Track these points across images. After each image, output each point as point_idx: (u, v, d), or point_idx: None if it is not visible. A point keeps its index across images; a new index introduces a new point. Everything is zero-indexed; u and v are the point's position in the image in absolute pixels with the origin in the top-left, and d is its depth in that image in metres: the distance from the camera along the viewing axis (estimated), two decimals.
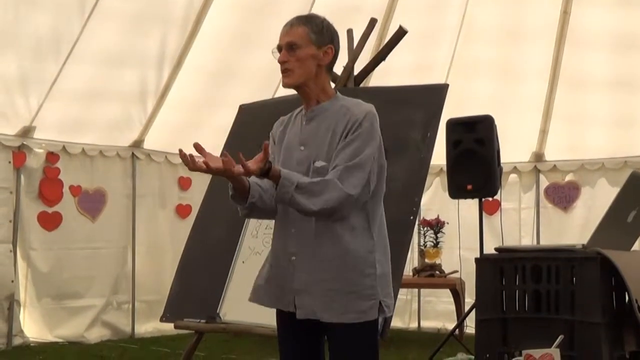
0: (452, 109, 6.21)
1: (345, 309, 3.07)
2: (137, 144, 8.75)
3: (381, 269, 3.14)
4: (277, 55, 3.23)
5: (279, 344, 3.33)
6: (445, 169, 6.48)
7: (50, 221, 7.99)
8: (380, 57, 6.38)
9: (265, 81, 8.99)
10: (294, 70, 3.16)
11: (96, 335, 8.19)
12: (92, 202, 8.35)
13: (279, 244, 3.24)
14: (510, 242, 7.88)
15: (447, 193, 6.49)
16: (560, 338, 3.79)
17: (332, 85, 3.43)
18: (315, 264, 3.10)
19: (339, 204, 3.02)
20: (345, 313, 3.07)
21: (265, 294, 3.31)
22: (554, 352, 3.70)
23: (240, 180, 3.17)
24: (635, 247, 4.74)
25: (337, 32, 3.25)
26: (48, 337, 7.89)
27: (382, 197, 3.24)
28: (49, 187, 8.01)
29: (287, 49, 3.17)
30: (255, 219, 3.38)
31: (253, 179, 3.18)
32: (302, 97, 3.26)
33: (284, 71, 3.19)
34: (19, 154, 7.81)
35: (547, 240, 8.57)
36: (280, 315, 3.27)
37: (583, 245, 4.10)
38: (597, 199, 8.46)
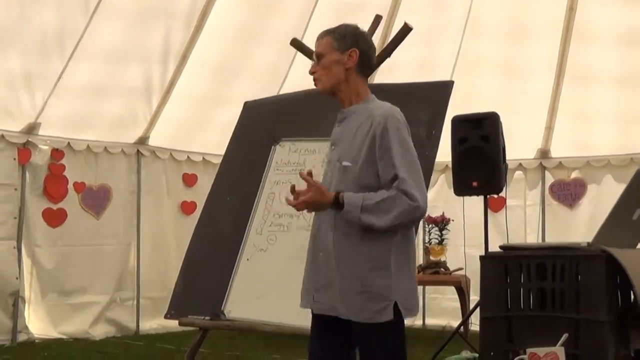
0: (458, 105, 6.20)
1: (360, 309, 3.20)
2: (142, 140, 8.76)
3: (398, 270, 3.22)
4: None
5: (310, 343, 3.45)
6: (450, 165, 6.46)
7: (55, 218, 8.00)
8: (385, 54, 6.37)
9: (270, 77, 9.01)
10: (321, 78, 3.38)
11: (101, 331, 8.20)
12: (96, 199, 8.35)
13: (310, 242, 3.45)
14: (516, 239, 7.87)
15: (452, 190, 6.47)
16: (565, 336, 3.76)
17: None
18: (335, 262, 3.26)
19: (409, 216, 3.20)
20: (360, 312, 3.20)
21: (303, 296, 3.48)
22: (559, 350, 3.68)
23: None
24: None
25: (364, 36, 3.41)
26: (53, 333, 7.90)
27: None
28: (54, 184, 8.01)
29: (316, 60, 3.40)
30: None
31: None
32: (339, 101, 3.44)
33: (314, 81, 3.42)
34: (24, 150, 7.81)
35: (552, 238, 8.55)
36: (313, 316, 3.43)
37: (588, 243, 4.08)
38: (603, 196, 8.44)
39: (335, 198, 3.21)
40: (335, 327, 3.31)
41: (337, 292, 3.25)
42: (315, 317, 3.41)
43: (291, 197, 3.27)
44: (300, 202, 3.22)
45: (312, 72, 3.41)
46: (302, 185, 3.27)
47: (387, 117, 3.25)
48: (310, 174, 3.28)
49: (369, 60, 3.42)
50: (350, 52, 3.34)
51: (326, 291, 3.30)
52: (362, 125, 3.28)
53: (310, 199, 3.21)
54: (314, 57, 3.41)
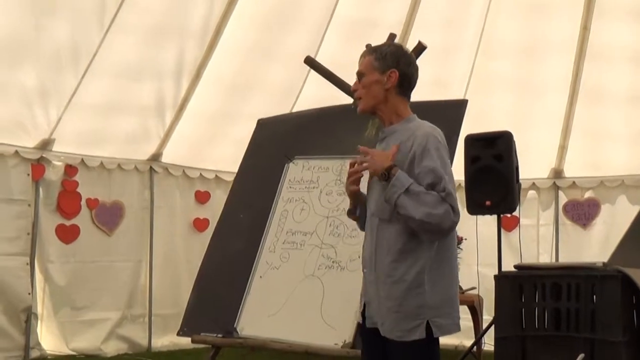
0: (471, 124, 6.19)
1: (394, 327, 3.25)
2: (155, 157, 8.77)
3: (433, 289, 3.23)
4: None
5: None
6: (463, 184, 6.45)
7: (67, 234, 8.01)
8: None
9: (283, 94, 9.02)
10: (362, 97, 3.43)
11: (113, 348, 8.18)
12: (109, 215, 8.36)
13: (362, 257, 3.50)
14: (529, 258, 7.82)
15: (465, 209, 6.44)
16: (581, 357, 3.75)
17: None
18: (374, 280, 3.34)
19: (441, 221, 3.18)
20: (394, 330, 3.25)
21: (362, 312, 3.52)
22: None
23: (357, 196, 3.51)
24: None
25: (405, 57, 3.45)
26: (65, 350, 7.89)
27: None
28: (67, 200, 8.03)
29: (358, 78, 3.45)
30: None
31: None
32: (380, 120, 3.50)
33: (356, 99, 3.47)
34: (38, 166, 7.84)
35: (565, 258, 8.50)
36: (363, 331, 3.50)
37: (604, 263, 4.06)
38: (617, 216, 8.39)
39: (390, 168, 3.24)
40: (381, 343, 3.34)
41: (376, 309, 3.34)
42: (367, 332, 3.45)
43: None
44: (371, 152, 3.31)
45: (353, 90, 3.47)
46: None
47: (428, 136, 3.30)
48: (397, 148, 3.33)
49: (410, 81, 3.45)
50: (390, 72, 3.37)
51: (371, 306, 3.38)
52: (404, 144, 3.32)
53: (377, 153, 3.30)
54: (357, 75, 3.45)
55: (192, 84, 8.59)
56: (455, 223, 3.23)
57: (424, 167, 3.23)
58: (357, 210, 3.56)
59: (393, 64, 3.38)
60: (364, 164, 3.33)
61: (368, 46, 3.54)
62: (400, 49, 3.47)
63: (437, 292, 3.24)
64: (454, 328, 3.32)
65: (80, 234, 8.10)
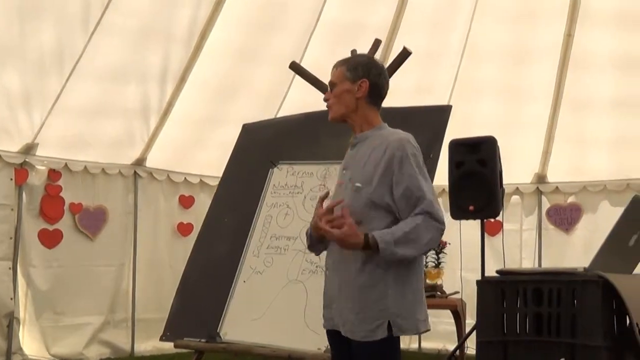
0: (455, 129, 6.21)
1: (357, 327, 3.31)
2: (140, 162, 8.75)
3: (396, 291, 3.31)
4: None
5: None
6: (447, 189, 6.47)
7: (50, 238, 7.98)
8: None
9: (268, 99, 9.03)
10: (332, 106, 3.52)
11: (95, 353, 8.16)
12: (92, 220, 8.33)
13: (325, 260, 3.57)
14: (512, 263, 7.86)
15: (449, 214, 6.46)
16: None
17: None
18: (337, 281, 3.41)
19: (437, 238, 3.33)
20: (356, 331, 3.31)
21: (323, 315, 3.58)
22: None
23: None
24: (637, 270, 4.73)
25: (377, 68, 3.52)
26: (46, 355, 7.85)
27: None
28: (50, 205, 8.00)
29: (330, 88, 3.54)
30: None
31: None
32: (350, 128, 3.56)
33: (327, 108, 3.55)
34: (21, 171, 7.81)
35: (548, 262, 8.54)
36: (327, 333, 3.56)
37: (585, 268, 4.08)
38: (599, 221, 8.44)
39: (366, 242, 3.26)
40: (345, 344, 3.40)
41: (337, 310, 3.40)
42: (328, 334, 3.54)
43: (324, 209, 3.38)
44: (335, 237, 3.29)
45: (325, 100, 3.55)
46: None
47: (404, 142, 3.38)
48: (327, 194, 3.48)
49: (380, 91, 3.52)
50: (361, 82, 3.46)
51: (330, 308, 3.45)
52: (376, 150, 3.40)
53: (342, 237, 3.28)
54: (328, 85, 3.54)
55: (177, 88, 8.58)
56: (444, 227, 3.34)
57: (405, 184, 3.31)
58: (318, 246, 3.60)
59: (364, 74, 3.47)
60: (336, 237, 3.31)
61: (349, 57, 3.63)
62: (371, 60, 3.57)
63: (399, 293, 3.31)
64: (414, 329, 3.39)
65: (63, 238, 8.07)
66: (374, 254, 3.26)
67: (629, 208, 4.22)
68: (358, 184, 3.37)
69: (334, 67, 3.54)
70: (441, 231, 3.31)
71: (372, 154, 3.39)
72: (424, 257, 8.20)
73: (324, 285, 3.54)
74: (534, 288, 4.09)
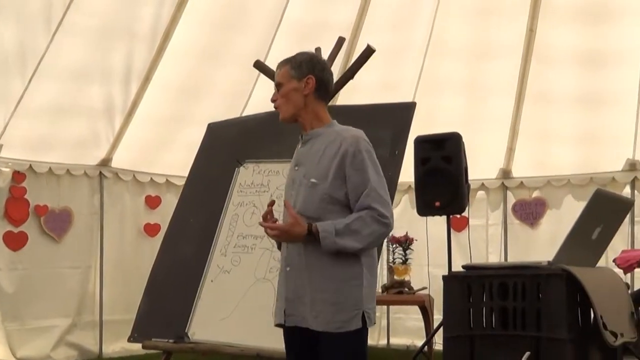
0: (420, 126, 6.25)
1: (331, 319, 3.32)
2: (105, 162, 8.69)
3: (367, 282, 3.38)
4: None
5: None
6: (413, 186, 6.51)
7: (15, 241, 7.90)
8: (348, 75, 6.42)
9: (233, 98, 9.02)
10: (281, 106, 3.53)
11: (62, 355, 8.09)
12: (58, 222, 8.26)
13: (281, 257, 3.58)
14: (478, 258, 7.92)
15: (415, 210, 6.50)
16: (527, 355, 3.81)
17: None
18: (305, 274, 3.39)
19: (380, 233, 3.38)
20: (331, 322, 3.32)
21: (275, 314, 3.59)
22: None
23: None
24: (601, 262, 4.78)
25: (320, 64, 3.56)
26: (12, 358, 7.77)
27: None
28: (15, 207, 7.91)
29: (276, 89, 3.55)
30: None
31: None
32: (300, 126, 3.58)
33: (276, 109, 3.57)
34: None
35: (514, 257, 8.60)
36: (285, 330, 3.53)
37: (549, 262, 4.13)
38: (564, 215, 8.51)
39: (309, 228, 3.31)
40: (308, 339, 3.40)
41: (308, 304, 3.37)
42: (288, 331, 3.51)
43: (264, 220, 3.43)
44: (277, 229, 3.36)
45: (273, 101, 3.55)
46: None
47: (357, 139, 3.42)
48: (272, 204, 3.50)
49: (326, 86, 3.54)
50: (307, 79, 3.47)
51: (296, 304, 3.42)
52: (330, 146, 3.42)
53: (287, 227, 3.34)
54: (275, 86, 3.55)
55: (141, 88, 8.53)
56: (391, 227, 3.38)
57: (357, 179, 3.36)
58: None
59: (309, 70, 3.48)
60: (277, 236, 3.41)
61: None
62: (314, 56, 3.58)
63: (370, 286, 3.39)
64: (374, 320, 3.47)
65: (29, 241, 8.00)
66: (316, 243, 3.31)
67: (591, 202, 4.28)
68: (314, 180, 3.40)
69: (277, 67, 3.56)
70: (385, 225, 3.34)
71: (326, 150, 3.42)
72: (385, 254, 8.29)
73: (282, 282, 3.52)
74: (499, 282, 4.13)
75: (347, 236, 3.30)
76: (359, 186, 3.35)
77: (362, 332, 3.36)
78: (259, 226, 5.84)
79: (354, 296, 3.33)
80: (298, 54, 3.56)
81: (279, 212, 3.56)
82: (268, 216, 3.47)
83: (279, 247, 3.67)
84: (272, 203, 3.52)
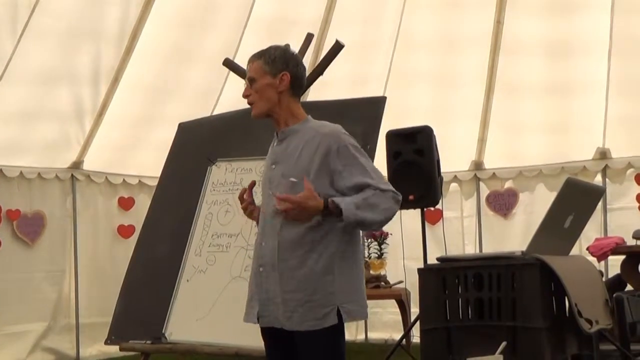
0: (391, 120, 6.26)
1: (304, 318, 3.27)
2: (76, 165, 8.63)
3: (342, 276, 3.31)
4: None
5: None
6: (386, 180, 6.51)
7: None
8: (317, 71, 6.42)
9: (203, 97, 9.00)
10: (256, 102, 3.43)
11: None
12: (31, 226, 8.20)
13: (254, 257, 3.51)
14: (454, 250, 7.95)
15: None
16: (503, 344, 3.82)
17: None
18: (278, 275, 3.33)
19: (394, 212, 3.32)
20: (304, 321, 3.28)
21: (247, 311, 3.53)
22: (498, 358, 3.74)
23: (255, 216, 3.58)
24: (574, 251, 4.83)
25: (294, 59, 3.47)
26: None
27: None
28: None
29: (248, 83, 3.44)
30: None
31: None
32: (274, 123, 3.49)
33: (249, 104, 3.46)
34: None
35: (490, 248, 8.65)
36: (262, 331, 3.49)
37: (522, 252, 4.16)
38: (536, 205, 8.58)
39: (325, 205, 3.23)
40: (284, 339, 3.37)
41: (280, 305, 3.33)
42: (264, 332, 3.48)
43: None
44: (289, 200, 3.23)
45: (245, 96, 3.45)
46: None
47: (338, 134, 3.37)
48: (253, 184, 3.49)
49: (300, 81, 3.47)
50: (282, 75, 3.39)
51: (269, 304, 3.38)
52: (308, 143, 3.35)
53: (301, 200, 3.22)
54: (246, 81, 3.45)
55: (110, 89, 8.50)
56: (400, 198, 3.33)
57: (350, 170, 3.30)
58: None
59: (283, 66, 3.40)
60: (291, 214, 3.26)
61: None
62: (287, 51, 3.49)
63: (345, 280, 3.32)
64: (362, 314, 3.41)
65: (2, 246, 7.93)
66: (333, 217, 3.23)
67: (562, 190, 4.31)
68: (293, 179, 3.32)
69: (249, 61, 3.45)
70: (398, 202, 3.30)
71: (304, 148, 3.35)
72: (363, 245, 8.30)
73: (253, 282, 3.47)
74: (474, 273, 4.15)
75: (367, 210, 3.22)
76: (358, 176, 3.29)
77: (338, 328, 3.31)
78: (233, 224, 5.88)
79: (326, 292, 3.27)
80: (271, 48, 3.47)
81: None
82: (245, 196, 3.45)
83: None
84: (252, 184, 3.49)
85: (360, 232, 3.49)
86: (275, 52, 3.44)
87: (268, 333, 3.46)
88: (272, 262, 3.35)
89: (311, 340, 3.29)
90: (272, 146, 3.52)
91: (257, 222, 3.56)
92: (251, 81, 3.42)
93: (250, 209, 3.53)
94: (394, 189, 3.32)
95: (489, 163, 9.11)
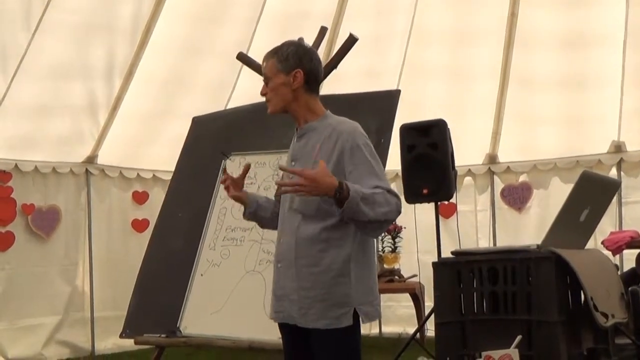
0: (405, 113, 6.25)
1: (320, 316, 3.28)
2: (91, 159, 8.66)
3: (358, 278, 3.32)
4: None
5: (284, 355, 3.55)
6: (400, 174, 6.51)
7: (3, 241, 7.87)
8: (331, 65, 6.41)
9: (217, 90, 9.00)
10: (271, 99, 3.45)
11: (54, 353, 8.06)
12: (46, 220, 8.23)
13: (275, 252, 3.53)
14: (468, 244, 7.93)
15: (403, 198, 6.50)
16: (518, 338, 3.82)
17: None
18: (294, 272, 3.34)
19: (394, 214, 3.27)
20: (320, 319, 3.28)
21: (271, 307, 3.55)
22: (513, 352, 3.73)
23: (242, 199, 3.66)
24: (589, 244, 4.80)
25: (308, 54, 3.45)
26: (4, 358, 7.75)
27: None
28: (2, 207, 7.88)
29: (265, 82, 3.46)
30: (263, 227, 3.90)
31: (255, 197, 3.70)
32: (293, 119, 3.52)
33: (266, 102, 3.48)
34: None
35: (503, 242, 8.62)
36: (279, 326, 3.51)
37: (537, 245, 4.14)
38: (551, 199, 8.54)
39: (341, 185, 3.17)
40: (299, 336, 3.38)
41: (295, 301, 3.34)
42: (282, 327, 3.49)
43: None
44: (304, 175, 3.18)
45: (263, 94, 3.48)
46: None
47: (354, 132, 3.36)
48: (248, 168, 3.61)
49: (316, 76, 3.45)
50: (295, 73, 3.38)
51: (284, 300, 3.39)
52: (326, 141, 3.35)
53: (317, 176, 3.16)
54: (263, 79, 3.47)
55: (124, 83, 8.50)
56: (400, 209, 3.29)
57: (360, 172, 3.28)
58: (249, 210, 3.67)
59: (296, 63, 3.39)
60: (304, 189, 3.19)
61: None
62: (300, 47, 3.46)
63: (361, 281, 3.32)
64: (377, 315, 3.43)
65: (16, 240, 7.96)
66: (339, 200, 3.16)
67: (578, 184, 4.29)
68: None
69: (264, 60, 3.46)
70: (398, 207, 3.25)
71: (323, 146, 3.35)
72: (375, 243, 8.29)
73: (274, 277, 3.48)
74: (488, 267, 4.14)
75: (368, 204, 3.18)
76: (366, 177, 3.26)
77: (354, 329, 3.31)
78: None
79: (343, 293, 3.28)
80: (284, 45, 3.46)
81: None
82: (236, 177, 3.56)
83: (277, 198, 3.59)
84: (247, 167, 3.55)
85: None
86: (288, 49, 3.43)
87: (284, 329, 3.48)
88: (289, 258, 3.37)
89: (327, 339, 3.29)
90: (293, 142, 3.54)
91: (245, 207, 3.65)
92: (266, 79, 3.44)
93: (235, 191, 3.60)
94: (398, 194, 3.29)
95: (504, 157, 9.07)
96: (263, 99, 3.51)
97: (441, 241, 6.33)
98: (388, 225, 3.31)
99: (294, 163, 3.46)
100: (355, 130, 3.37)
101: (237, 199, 3.65)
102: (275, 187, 3.63)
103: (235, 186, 3.61)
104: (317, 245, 3.31)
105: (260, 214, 3.67)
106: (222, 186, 6.09)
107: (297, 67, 3.39)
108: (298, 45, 3.48)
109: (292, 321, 3.36)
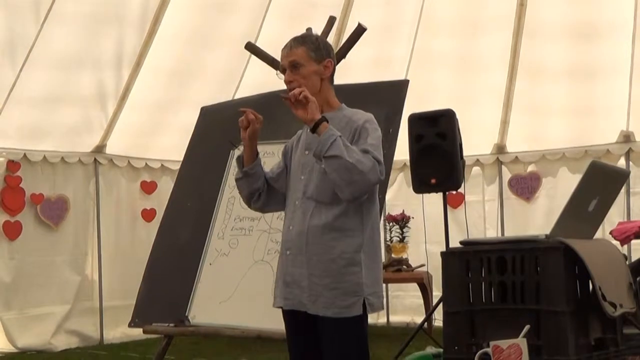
0: (414, 103, 6.24)
1: (330, 304, 3.29)
2: (99, 149, 8.69)
3: (368, 268, 3.34)
4: (282, 76, 3.46)
5: (287, 342, 3.55)
6: (408, 164, 6.51)
7: (13, 230, 7.91)
8: (340, 55, 6.38)
9: (225, 80, 9.01)
10: (304, 87, 3.32)
11: (63, 342, 8.12)
12: (54, 210, 8.27)
13: (282, 240, 3.52)
14: (476, 234, 7.95)
15: (411, 188, 6.51)
16: (526, 328, 3.81)
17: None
18: (304, 259, 3.35)
19: (370, 172, 3.20)
20: (330, 307, 3.29)
21: (275, 295, 3.54)
22: (521, 342, 3.73)
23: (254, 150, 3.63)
24: (597, 234, 4.79)
25: (331, 46, 3.49)
26: (13, 348, 7.79)
27: (377, 196, 3.46)
28: (11, 196, 7.92)
29: (290, 69, 3.39)
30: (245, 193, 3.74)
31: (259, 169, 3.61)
32: None
33: (288, 90, 3.37)
34: None
35: (511, 232, 8.63)
36: (284, 313, 3.51)
37: (546, 235, 4.13)
38: (559, 189, 8.55)
39: (321, 119, 3.24)
40: (306, 323, 3.38)
41: (305, 288, 3.34)
42: (287, 314, 3.49)
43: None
44: (303, 92, 3.23)
45: (289, 81, 3.39)
46: None
47: (366, 119, 3.37)
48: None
49: (335, 69, 3.49)
50: (326, 62, 3.41)
51: (293, 287, 3.39)
52: (342, 131, 3.31)
53: (312, 98, 3.24)
54: (287, 65, 3.40)
55: (133, 73, 8.53)
56: (380, 180, 3.27)
57: (360, 140, 3.31)
58: (249, 168, 3.62)
59: (327, 54, 3.42)
60: (302, 95, 3.24)
61: (304, 36, 3.53)
62: (324, 37, 3.52)
63: (370, 272, 3.35)
64: (381, 306, 3.45)
65: (25, 229, 8.00)
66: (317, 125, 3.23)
67: (587, 173, 4.27)
68: (323, 165, 3.29)
69: (291, 46, 3.40)
70: (376, 170, 3.20)
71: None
72: (383, 233, 8.27)
73: (281, 265, 3.48)
74: (497, 257, 4.13)
75: (346, 147, 3.19)
76: (363, 144, 3.26)
77: (363, 319, 3.34)
78: None
79: (354, 282, 3.29)
80: (310, 35, 3.49)
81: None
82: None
83: (273, 180, 3.61)
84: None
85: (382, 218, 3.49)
86: (315, 38, 3.46)
87: (290, 316, 3.48)
88: (299, 245, 3.37)
89: (337, 327, 3.30)
90: (306, 132, 3.49)
91: (246, 150, 3.62)
92: (297, 66, 3.38)
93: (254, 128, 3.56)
94: (383, 169, 3.26)
95: (512, 146, 9.07)
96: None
97: (449, 231, 6.33)
98: (360, 183, 3.19)
99: (307, 152, 3.46)
100: (369, 118, 3.39)
101: (248, 139, 3.60)
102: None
103: (252, 127, 3.56)
104: (329, 233, 3.32)
105: (252, 179, 3.62)
106: (230, 176, 6.18)
107: (327, 56, 3.42)
108: (322, 36, 3.52)
109: (302, 308, 3.36)
